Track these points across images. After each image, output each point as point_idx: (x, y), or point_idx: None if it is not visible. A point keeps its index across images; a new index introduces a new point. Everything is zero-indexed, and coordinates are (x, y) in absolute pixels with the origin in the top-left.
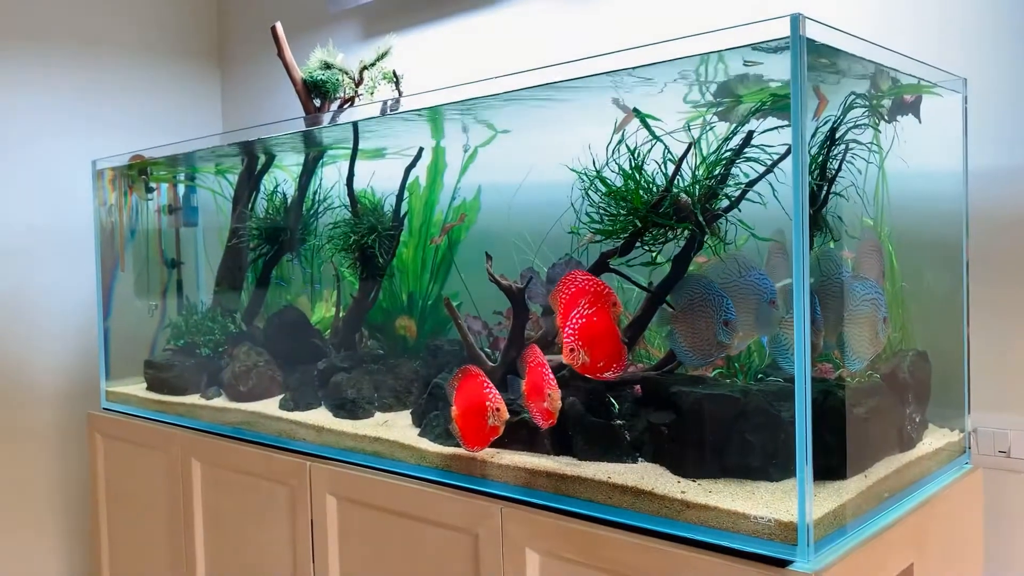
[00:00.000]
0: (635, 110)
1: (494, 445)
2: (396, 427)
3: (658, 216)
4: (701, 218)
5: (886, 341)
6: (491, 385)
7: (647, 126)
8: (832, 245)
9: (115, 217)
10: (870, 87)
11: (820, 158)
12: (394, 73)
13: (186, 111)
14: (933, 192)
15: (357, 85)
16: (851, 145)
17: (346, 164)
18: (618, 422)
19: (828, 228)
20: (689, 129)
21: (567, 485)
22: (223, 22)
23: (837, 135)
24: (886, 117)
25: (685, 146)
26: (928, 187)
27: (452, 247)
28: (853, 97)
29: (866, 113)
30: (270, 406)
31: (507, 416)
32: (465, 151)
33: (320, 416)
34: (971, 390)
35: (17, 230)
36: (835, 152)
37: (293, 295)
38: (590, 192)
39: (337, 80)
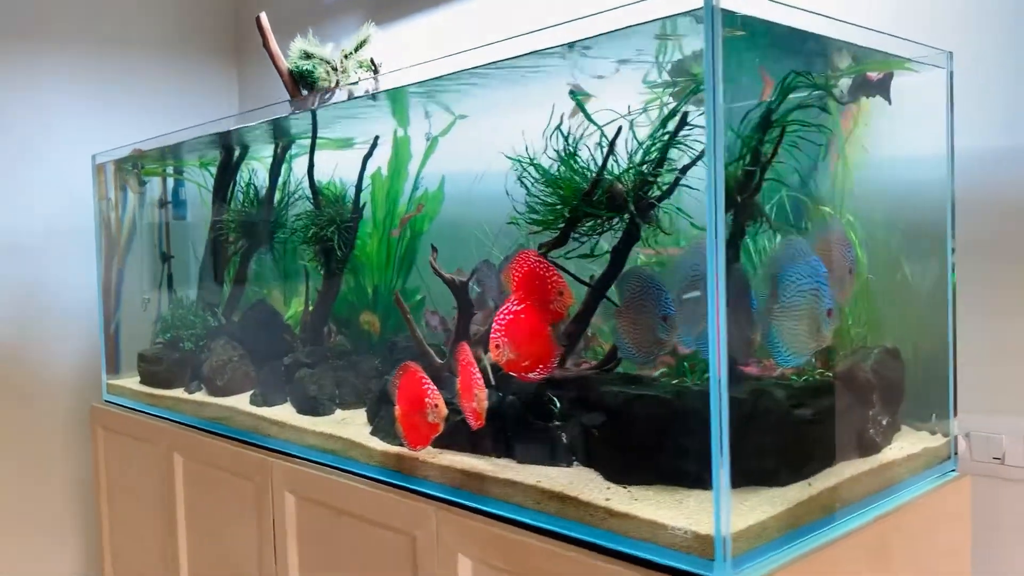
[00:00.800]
0: (571, 92)
1: (439, 444)
2: (352, 425)
3: (588, 205)
4: (632, 206)
5: (831, 335)
6: (429, 381)
7: (583, 109)
8: (774, 234)
9: (113, 211)
10: (826, 65)
11: (752, 143)
12: (371, 61)
13: (204, 108)
14: (911, 177)
15: (335, 73)
16: (794, 128)
17: (317, 154)
18: (555, 423)
19: (764, 216)
20: (644, 112)
21: (500, 488)
22: (240, 18)
23: (773, 117)
24: (841, 97)
25: (634, 131)
26: (905, 171)
27: (415, 239)
28: (793, 76)
29: (812, 93)
30: (243, 401)
31: (446, 413)
32: (427, 139)
33: (285, 412)
34: (958, 391)
35: (35, 226)
36: (771, 136)
37: (267, 289)
38: (524, 180)
39: (320, 69)
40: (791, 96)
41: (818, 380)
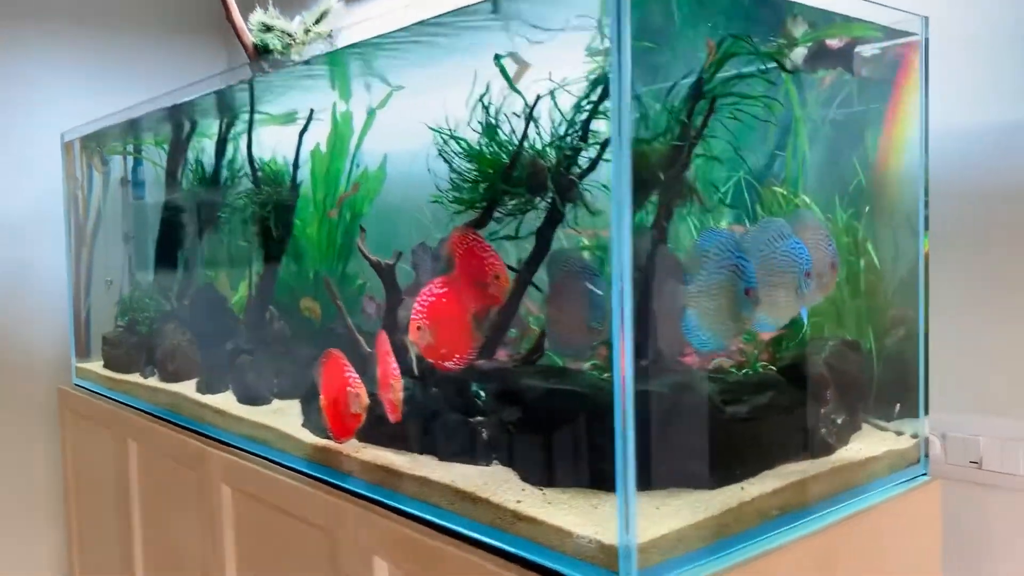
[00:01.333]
0: (496, 57)
1: (365, 438)
2: (286, 415)
3: (508, 182)
4: (551, 183)
5: (753, 318)
6: (352, 369)
7: (505, 76)
8: (709, 215)
9: (81, 191)
10: (779, 31)
11: (681, 115)
12: (330, 34)
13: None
14: (881, 154)
15: (296, 46)
16: (734, 101)
17: (265, 131)
18: (477, 418)
19: (696, 194)
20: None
21: (416, 487)
22: None
23: (706, 87)
24: (790, 65)
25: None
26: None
27: (355, 221)
28: (731, 41)
29: (755, 61)
30: (191, 387)
31: (367, 402)
32: (369, 113)
33: (226, 400)
34: (933, 389)
35: (11, 207)
36: (704, 107)
37: (215, 272)
38: (444, 154)
39: (282, 43)
40: (731, 65)
41: (760, 373)
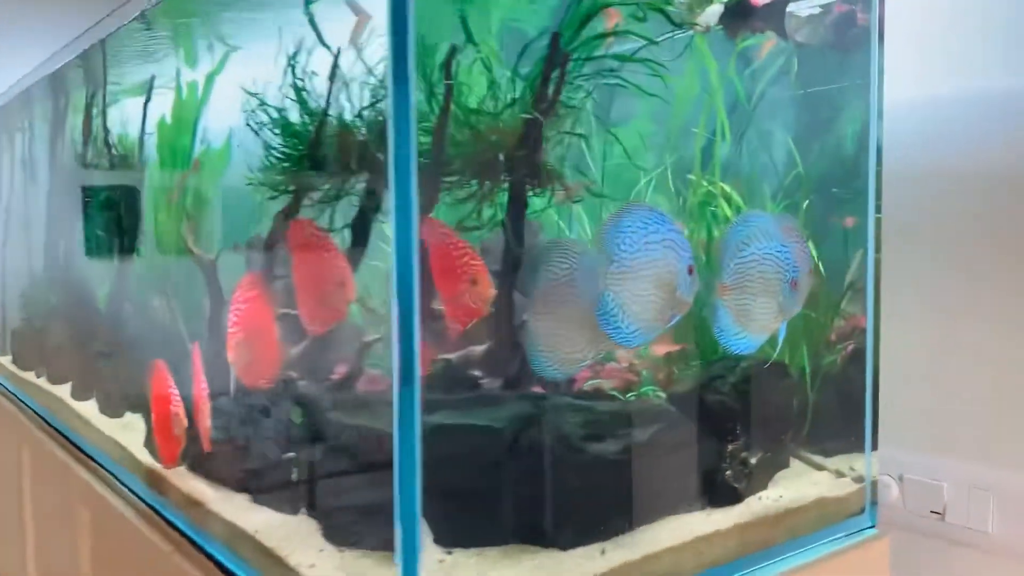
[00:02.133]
0: (306, 3)
1: (193, 467)
2: (132, 430)
3: (313, 160)
4: (354, 162)
5: (691, 300)
6: (174, 385)
7: (315, 28)
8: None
9: None
10: None
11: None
12: None
13: None
14: (824, 134)
15: None
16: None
17: (126, 103)
18: (289, 455)
19: (559, 181)
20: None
21: (226, 532)
22: None
23: (566, 47)
24: (693, 25)
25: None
26: (815, 128)
27: (201, 206)
28: None
29: (635, 18)
30: (68, 391)
31: (186, 424)
32: (207, 78)
33: (89, 409)
34: (884, 419)
35: None
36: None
37: (90, 263)
38: (251, 126)
39: None
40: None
41: (645, 399)
